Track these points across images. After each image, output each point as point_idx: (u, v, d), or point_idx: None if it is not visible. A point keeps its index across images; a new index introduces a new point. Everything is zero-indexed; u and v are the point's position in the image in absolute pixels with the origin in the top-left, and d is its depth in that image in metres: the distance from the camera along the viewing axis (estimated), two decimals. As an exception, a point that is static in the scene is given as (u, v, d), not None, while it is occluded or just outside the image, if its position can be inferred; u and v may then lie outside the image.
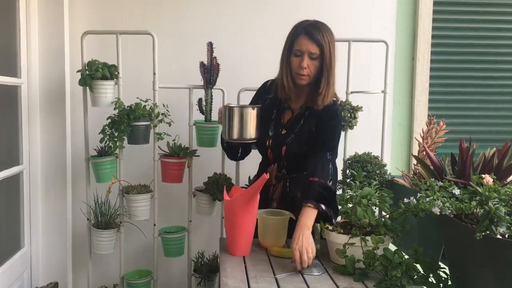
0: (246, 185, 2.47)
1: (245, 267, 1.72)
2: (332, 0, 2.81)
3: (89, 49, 2.44)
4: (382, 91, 2.53)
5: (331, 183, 1.93)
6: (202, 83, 2.43)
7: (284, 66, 1.98)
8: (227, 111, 2.02)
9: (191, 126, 2.49)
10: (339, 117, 2.04)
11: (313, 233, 1.85)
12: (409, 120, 2.95)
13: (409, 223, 1.63)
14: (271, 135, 2.06)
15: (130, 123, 2.32)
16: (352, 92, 2.51)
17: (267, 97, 2.12)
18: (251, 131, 2.02)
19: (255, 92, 2.22)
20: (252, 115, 2.01)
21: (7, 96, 2.33)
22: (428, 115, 2.74)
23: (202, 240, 2.73)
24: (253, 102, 2.18)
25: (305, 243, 1.70)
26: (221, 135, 2.18)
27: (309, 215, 1.79)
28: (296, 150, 2.02)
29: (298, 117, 2.05)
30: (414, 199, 1.51)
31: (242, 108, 2.02)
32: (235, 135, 2.02)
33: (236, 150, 2.19)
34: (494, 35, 3.00)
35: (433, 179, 1.63)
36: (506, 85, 3.04)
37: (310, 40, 1.89)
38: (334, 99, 2.04)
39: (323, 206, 1.81)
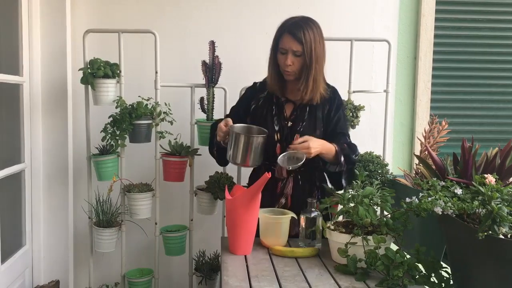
0: (247, 184, 2.46)
1: (247, 266, 1.72)
2: (334, -1, 2.81)
3: (91, 47, 2.44)
4: (384, 91, 2.53)
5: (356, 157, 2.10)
6: (204, 81, 2.43)
7: (271, 62, 2.06)
8: (234, 136, 1.95)
9: (193, 125, 2.49)
10: (342, 101, 2.20)
11: (314, 233, 1.86)
12: (411, 119, 2.94)
13: (411, 223, 1.62)
14: (277, 129, 2.07)
15: (131, 122, 2.32)
16: (354, 92, 2.52)
17: (260, 96, 2.14)
18: (257, 158, 1.98)
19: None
20: (260, 143, 1.96)
21: (9, 95, 2.33)
22: (430, 115, 2.73)
23: (203, 239, 2.73)
24: (243, 104, 2.18)
25: (311, 144, 1.89)
26: (211, 146, 2.18)
27: (327, 145, 1.97)
28: None
29: (303, 106, 2.08)
30: (416, 199, 1.51)
31: (250, 137, 1.95)
32: (239, 160, 1.98)
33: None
34: (497, 35, 2.99)
35: (435, 179, 1.62)
36: (509, 84, 3.04)
37: (293, 38, 1.96)
38: (332, 88, 2.13)
39: (342, 158, 1.99)
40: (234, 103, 2.47)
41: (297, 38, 1.94)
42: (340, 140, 2.07)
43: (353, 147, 2.09)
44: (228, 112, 2.34)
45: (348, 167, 2.04)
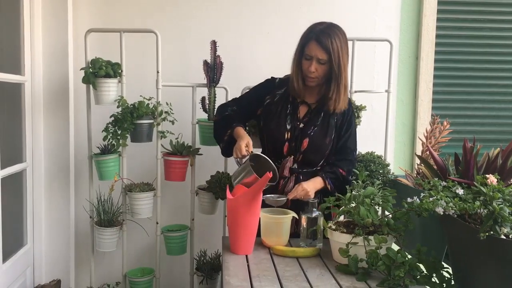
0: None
1: (248, 265, 1.72)
2: (336, -1, 2.81)
3: (92, 47, 2.44)
4: (386, 91, 2.53)
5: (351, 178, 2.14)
6: (205, 81, 2.43)
7: (295, 67, 2.05)
8: (247, 170, 1.92)
9: (194, 124, 2.49)
10: (354, 113, 2.26)
11: (315, 233, 1.86)
12: (412, 119, 2.94)
13: (412, 223, 1.62)
14: (289, 128, 2.07)
15: (133, 121, 2.32)
16: (355, 92, 2.52)
17: (277, 93, 2.14)
18: None
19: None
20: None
21: (11, 94, 2.33)
22: (432, 115, 2.73)
23: (205, 238, 2.73)
24: (257, 95, 2.17)
25: (305, 187, 1.98)
26: (218, 139, 2.17)
27: (317, 181, 2.04)
28: (319, 143, 2.07)
29: (317, 111, 2.10)
30: (418, 199, 1.51)
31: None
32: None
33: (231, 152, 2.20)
34: (498, 35, 2.99)
35: (436, 179, 1.62)
36: (510, 85, 3.03)
37: (319, 46, 1.95)
38: (348, 98, 2.14)
39: (332, 187, 2.06)
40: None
41: (324, 47, 1.94)
42: (347, 158, 2.12)
43: (349, 170, 2.11)
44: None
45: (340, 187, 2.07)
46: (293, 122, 2.08)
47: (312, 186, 2.02)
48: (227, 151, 2.18)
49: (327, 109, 2.07)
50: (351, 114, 2.16)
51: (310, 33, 1.99)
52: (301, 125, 2.08)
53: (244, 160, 1.99)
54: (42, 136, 2.49)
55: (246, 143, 1.97)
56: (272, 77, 2.21)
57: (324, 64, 1.98)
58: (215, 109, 2.34)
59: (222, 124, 2.15)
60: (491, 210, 1.30)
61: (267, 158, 1.98)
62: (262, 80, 2.22)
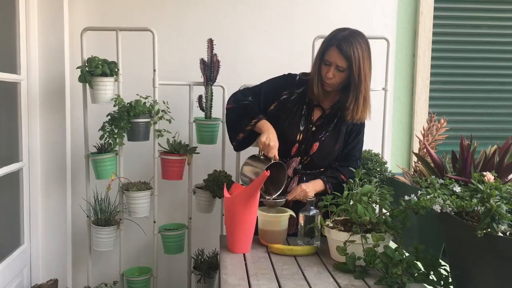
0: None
1: (245, 264, 1.72)
2: (333, -3, 2.80)
3: (88, 45, 2.43)
4: (383, 89, 2.53)
5: None
6: (202, 80, 2.43)
7: (315, 71, 2.01)
8: (256, 176, 1.90)
9: (191, 123, 2.49)
10: (364, 122, 2.15)
11: (312, 230, 1.86)
12: (409, 117, 2.94)
13: (409, 221, 1.62)
14: (302, 129, 2.06)
15: (130, 120, 2.31)
16: (352, 89, 2.50)
17: (295, 91, 2.09)
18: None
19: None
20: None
21: (7, 93, 2.32)
22: (429, 113, 2.73)
23: (202, 237, 2.73)
24: (275, 88, 2.11)
25: (304, 188, 1.98)
26: (239, 130, 2.09)
27: (318, 184, 2.03)
28: (329, 149, 2.06)
29: (331, 116, 2.08)
30: (415, 197, 1.50)
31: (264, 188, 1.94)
32: (242, 180, 2.01)
33: (246, 145, 2.17)
34: (495, 33, 2.99)
35: (433, 177, 1.62)
36: (507, 82, 3.04)
37: (339, 53, 1.91)
38: None
39: (332, 188, 2.05)
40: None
41: (344, 54, 1.89)
42: (350, 165, 2.08)
43: (351, 177, 2.01)
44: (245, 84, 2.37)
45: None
46: (306, 124, 2.06)
47: (312, 187, 2.01)
48: (244, 143, 2.11)
49: (341, 116, 2.05)
50: (364, 127, 2.14)
51: (332, 39, 1.94)
52: (313, 128, 2.07)
53: (264, 160, 1.95)
54: (39, 135, 2.48)
55: (276, 148, 1.93)
56: (289, 73, 2.15)
57: (343, 72, 1.93)
58: (215, 106, 2.34)
59: (243, 113, 2.06)
60: (489, 207, 1.30)
61: (286, 171, 1.97)
62: (259, 78, 2.21)
